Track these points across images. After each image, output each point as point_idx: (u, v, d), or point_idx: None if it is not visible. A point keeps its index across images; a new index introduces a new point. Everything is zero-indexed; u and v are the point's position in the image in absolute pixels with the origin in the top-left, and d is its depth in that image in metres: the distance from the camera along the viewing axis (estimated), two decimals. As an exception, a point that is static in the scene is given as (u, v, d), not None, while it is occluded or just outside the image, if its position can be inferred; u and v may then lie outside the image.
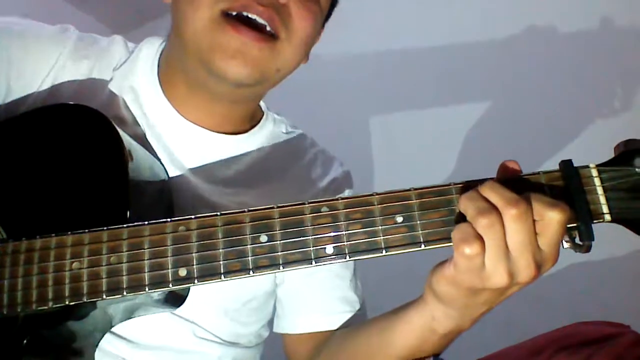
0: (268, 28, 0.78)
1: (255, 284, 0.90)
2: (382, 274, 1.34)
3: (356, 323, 0.89)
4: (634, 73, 1.46)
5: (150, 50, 0.90)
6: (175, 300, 0.74)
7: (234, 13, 0.76)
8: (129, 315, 0.73)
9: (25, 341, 0.61)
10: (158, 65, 0.89)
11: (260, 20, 0.77)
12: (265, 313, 0.96)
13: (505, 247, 0.55)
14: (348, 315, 0.91)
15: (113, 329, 0.79)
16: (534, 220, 0.55)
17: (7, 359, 0.61)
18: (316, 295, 0.92)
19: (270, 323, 0.98)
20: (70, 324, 0.66)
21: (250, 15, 0.77)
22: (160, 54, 0.90)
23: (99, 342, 0.72)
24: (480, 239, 0.55)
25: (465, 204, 0.56)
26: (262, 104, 0.99)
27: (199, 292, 0.78)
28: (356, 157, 1.27)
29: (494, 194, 0.55)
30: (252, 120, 0.96)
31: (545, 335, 0.84)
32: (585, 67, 1.56)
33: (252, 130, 0.94)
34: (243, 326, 0.91)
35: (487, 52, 1.75)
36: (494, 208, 0.55)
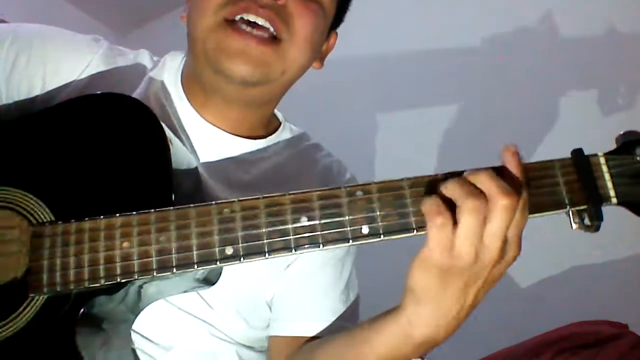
0: (271, 30, 0.82)
1: (260, 290, 0.92)
2: (381, 275, 1.36)
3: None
4: (636, 73, 1.54)
5: (174, 62, 0.96)
6: (208, 280, 0.78)
7: (237, 17, 0.81)
8: (163, 294, 0.78)
9: (78, 316, 0.65)
10: (181, 75, 0.94)
11: (261, 22, 0.81)
12: None
13: (481, 230, 0.59)
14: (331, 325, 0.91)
15: (144, 333, 0.84)
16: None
17: (61, 333, 0.65)
18: (306, 300, 0.93)
19: None
20: (111, 298, 0.69)
21: (250, 18, 0.81)
22: (184, 66, 0.95)
23: (135, 318, 0.76)
24: (450, 210, 0.59)
25: (453, 187, 0.60)
26: (279, 114, 1.03)
27: (215, 294, 0.84)
28: (357, 156, 1.31)
29: (486, 181, 0.59)
30: (268, 127, 0.99)
31: (545, 335, 0.90)
32: (589, 66, 1.64)
33: (270, 137, 0.97)
34: (255, 330, 0.93)
35: (489, 51, 1.81)
36: (482, 193, 0.59)
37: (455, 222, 0.59)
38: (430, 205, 0.61)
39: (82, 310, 0.65)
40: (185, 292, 0.81)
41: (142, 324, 0.80)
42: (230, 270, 0.85)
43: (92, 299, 0.67)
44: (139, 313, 0.76)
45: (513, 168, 0.63)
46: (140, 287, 0.74)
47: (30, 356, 0.65)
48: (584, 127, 1.49)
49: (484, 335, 1.12)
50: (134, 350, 0.79)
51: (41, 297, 0.67)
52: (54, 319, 0.66)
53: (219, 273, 0.78)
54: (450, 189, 0.61)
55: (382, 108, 1.99)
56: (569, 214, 0.68)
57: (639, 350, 0.80)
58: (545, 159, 0.67)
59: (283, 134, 1.00)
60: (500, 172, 0.62)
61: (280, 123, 1.02)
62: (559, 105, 1.63)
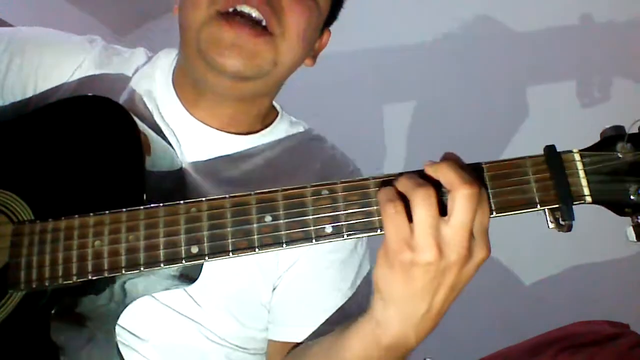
0: (263, 23, 0.81)
1: (254, 292, 0.90)
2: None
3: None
4: (612, 65, 1.49)
5: (167, 59, 0.96)
6: (188, 276, 0.79)
7: (230, 10, 0.80)
8: (146, 291, 0.79)
9: (53, 311, 0.67)
10: (173, 73, 0.94)
11: (255, 14, 0.81)
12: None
13: (437, 221, 0.58)
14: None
15: (125, 325, 0.85)
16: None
17: (37, 328, 0.67)
18: (304, 305, 0.91)
19: None
20: (92, 297, 0.72)
21: (244, 10, 0.80)
22: (176, 63, 0.95)
23: (119, 315, 0.78)
24: (402, 198, 0.59)
25: (403, 181, 0.60)
26: (277, 106, 1.01)
27: (203, 292, 0.85)
28: (363, 151, 1.30)
29: (448, 173, 0.58)
30: (264, 121, 0.97)
31: (545, 335, 0.87)
32: (567, 60, 1.60)
33: (264, 131, 0.96)
34: (249, 330, 0.92)
35: (478, 46, 1.78)
36: (430, 184, 0.58)
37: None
38: (381, 194, 0.60)
39: (55, 307, 0.67)
40: (168, 289, 0.82)
41: (127, 316, 0.82)
42: (220, 273, 0.86)
43: (71, 296, 0.70)
44: (123, 309, 0.78)
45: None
46: (124, 283, 0.76)
47: (9, 350, 0.68)
48: (570, 121, 1.44)
49: (484, 335, 1.10)
50: (117, 345, 0.81)
51: (19, 293, 0.69)
52: (31, 314, 0.68)
53: (199, 269, 0.79)
54: (401, 183, 0.60)
55: (386, 102, 1.98)
56: (545, 213, 0.65)
57: (638, 350, 0.76)
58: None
59: (280, 127, 0.98)
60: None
61: (278, 114, 1.00)
62: (543, 100, 1.59)
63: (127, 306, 0.79)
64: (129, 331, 0.86)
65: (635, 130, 0.65)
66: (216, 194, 0.87)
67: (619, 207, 0.64)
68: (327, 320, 0.90)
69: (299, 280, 0.91)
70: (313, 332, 0.89)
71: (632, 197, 0.63)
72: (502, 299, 1.32)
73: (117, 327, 0.83)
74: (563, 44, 1.62)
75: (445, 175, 0.59)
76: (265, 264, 0.89)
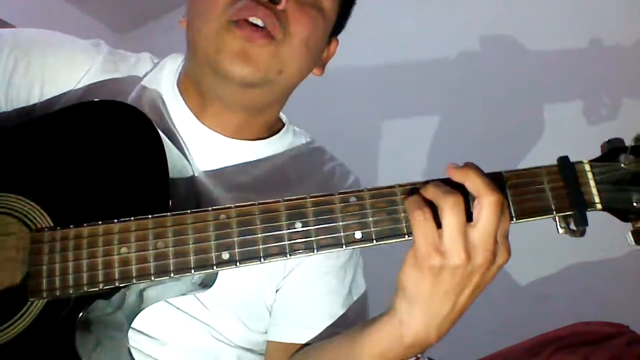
0: (268, 29, 0.83)
1: (258, 295, 0.92)
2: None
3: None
4: (619, 85, 1.58)
5: (173, 64, 0.96)
6: (205, 284, 0.80)
7: (240, 18, 0.82)
8: (158, 297, 0.79)
9: (78, 319, 0.66)
10: (178, 78, 0.94)
11: (260, 24, 0.82)
12: None
13: (465, 226, 0.61)
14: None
15: (144, 330, 0.85)
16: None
17: (60, 337, 0.66)
18: (307, 307, 0.93)
19: None
20: (107, 303, 0.71)
21: (251, 20, 0.82)
22: (182, 69, 0.95)
23: (131, 322, 0.77)
24: (433, 209, 0.62)
25: (432, 189, 0.64)
26: (283, 116, 1.03)
27: (211, 297, 0.86)
28: (361, 162, 1.32)
29: (475, 179, 0.62)
30: (270, 130, 0.99)
31: (545, 335, 0.91)
32: (576, 80, 1.69)
33: (271, 139, 0.97)
34: (254, 333, 0.93)
35: (485, 63, 1.85)
36: (458, 191, 0.62)
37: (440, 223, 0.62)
38: (410, 202, 0.63)
39: (81, 313, 0.67)
40: (182, 294, 0.82)
41: (139, 320, 0.81)
42: (227, 277, 0.87)
43: (92, 303, 0.69)
44: (135, 317, 0.78)
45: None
46: (139, 290, 0.75)
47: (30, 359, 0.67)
48: (575, 136, 1.52)
49: (484, 335, 1.13)
50: (129, 351, 0.80)
51: (41, 302, 0.68)
52: (53, 323, 0.67)
53: (214, 276, 0.80)
54: (429, 191, 0.63)
55: (385, 115, 2.01)
56: (555, 219, 0.70)
57: (635, 347, 0.81)
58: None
59: (286, 135, 1.00)
60: None
61: (284, 125, 1.01)
62: (554, 113, 1.66)
63: (138, 313, 0.78)
64: (148, 335, 0.86)
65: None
66: (227, 200, 0.89)
67: (624, 214, 0.69)
68: (332, 323, 0.92)
69: (301, 284, 0.93)
70: (318, 334, 0.91)
71: (634, 204, 0.69)
72: (502, 299, 1.35)
73: (136, 333, 0.83)
74: (573, 63, 1.69)
75: (473, 180, 0.63)
76: (271, 266, 0.90)
